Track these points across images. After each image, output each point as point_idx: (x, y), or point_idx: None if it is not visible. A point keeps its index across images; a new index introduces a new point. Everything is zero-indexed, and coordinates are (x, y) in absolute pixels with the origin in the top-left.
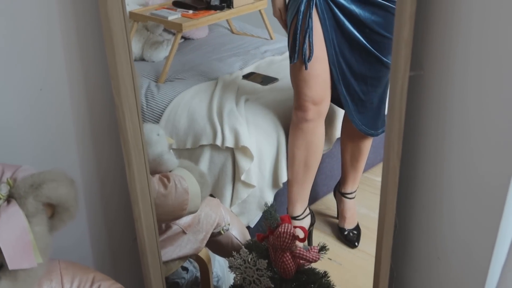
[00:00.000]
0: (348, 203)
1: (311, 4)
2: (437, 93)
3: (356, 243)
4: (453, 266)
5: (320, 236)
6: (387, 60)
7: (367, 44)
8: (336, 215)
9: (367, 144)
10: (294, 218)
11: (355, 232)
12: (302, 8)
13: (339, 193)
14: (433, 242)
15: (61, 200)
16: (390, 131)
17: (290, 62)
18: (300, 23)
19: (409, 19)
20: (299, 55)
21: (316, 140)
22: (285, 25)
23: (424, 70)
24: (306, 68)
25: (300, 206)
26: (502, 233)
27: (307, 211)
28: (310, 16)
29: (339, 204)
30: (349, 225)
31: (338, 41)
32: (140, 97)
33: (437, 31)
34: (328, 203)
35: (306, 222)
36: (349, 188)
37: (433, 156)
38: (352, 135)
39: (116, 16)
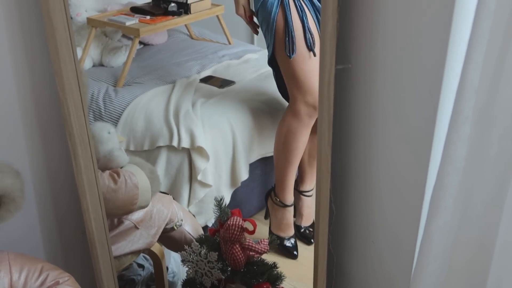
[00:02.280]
0: (306, 201)
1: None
2: (363, 84)
3: (312, 240)
4: (384, 248)
5: None
6: None
7: None
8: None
9: None
10: (291, 205)
11: (311, 229)
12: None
13: (297, 191)
14: (366, 227)
15: (6, 190)
16: (321, 121)
17: (290, 57)
18: (290, 15)
19: (332, 14)
20: (298, 45)
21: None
22: (249, 22)
23: (351, 64)
24: (314, 55)
25: (291, 194)
26: (425, 213)
27: None
28: (288, 7)
29: (297, 202)
30: (306, 222)
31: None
32: (98, 102)
33: (361, 25)
34: None
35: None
36: (307, 185)
37: (362, 144)
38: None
39: (58, 14)
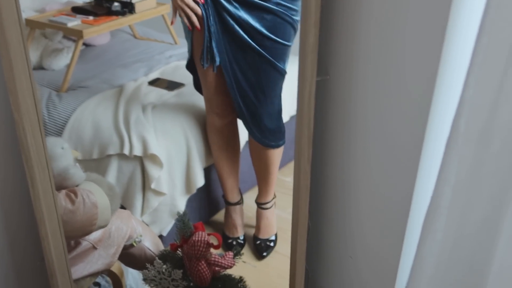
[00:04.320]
0: (264, 213)
1: (208, 12)
2: (342, 96)
3: (265, 254)
4: (364, 264)
5: None
6: (280, 66)
7: (260, 49)
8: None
9: (273, 156)
10: (235, 204)
11: (267, 243)
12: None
13: (256, 203)
14: (344, 242)
15: None
16: (300, 137)
17: (203, 67)
18: (206, 29)
19: (314, 26)
20: (209, 59)
21: (234, 138)
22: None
23: (329, 75)
24: (214, 70)
25: (236, 193)
26: (410, 230)
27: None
28: (210, 24)
29: (257, 214)
30: (263, 234)
31: (231, 48)
32: (41, 109)
33: (341, 37)
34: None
35: (241, 207)
36: (262, 198)
37: (340, 159)
38: (257, 147)
39: (12, 27)
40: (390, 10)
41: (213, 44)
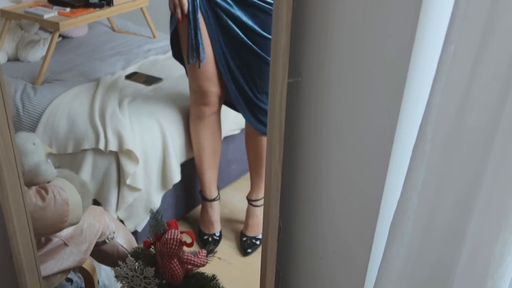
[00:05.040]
0: (253, 210)
1: (196, 7)
2: (314, 98)
3: (249, 250)
4: (334, 265)
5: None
6: None
7: (252, 45)
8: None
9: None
10: (213, 200)
11: (253, 241)
12: (190, 11)
13: (246, 199)
14: (315, 243)
15: None
16: (271, 138)
17: (188, 62)
18: (192, 25)
19: (285, 28)
20: (194, 55)
21: (218, 128)
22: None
23: (302, 77)
24: (199, 67)
25: (215, 188)
26: (379, 232)
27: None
28: (196, 19)
29: (247, 210)
30: (250, 232)
31: (224, 41)
32: (15, 101)
33: (313, 38)
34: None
35: (218, 203)
36: (253, 195)
37: (312, 160)
38: (253, 134)
39: None
40: (361, 14)
41: (199, 41)
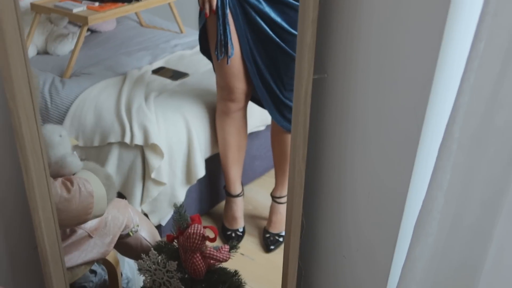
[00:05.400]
0: (277, 207)
1: (225, 2)
2: (340, 95)
3: (272, 247)
4: (357, 264)
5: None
6: None
7: (280, 42)
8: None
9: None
10: (237, 195)
11: (276, 238)
12: (219, 7)
13: (271, 196)
14: (338, 241)
15: None
16: (295, 135)
17: (217, 59)
18: (220, 21)
19: (311, 24)
20: (223, 51)
21: (244, 124)
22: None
23: (327, 73)
24: (227, 63)
25: (239, 184)
26: (403, 232)
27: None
28: (225, 14)
29: (271, 207)
30: (273, 229)
31: (252, 38)
32: (44, 94)
33: (339, 35)
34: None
35: (242, 199)
36: (278, 191)
37: (337, 157)
38: (278, 131)
39: (8, 14)
40: (389, 11)
41: (228, 36)
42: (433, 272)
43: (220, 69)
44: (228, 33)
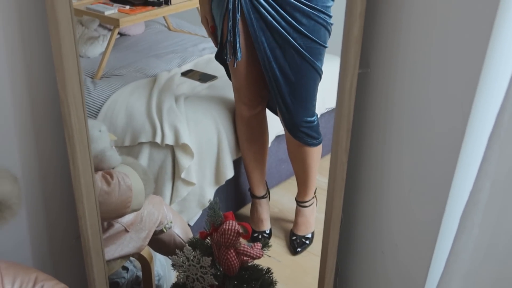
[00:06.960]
0: (300, 210)
1: (236, 5)
2: (382, 90)
3: (299, 249)
4: (396, 259)
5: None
6: (318, 65)
7: (299, 48)
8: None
9: (310, 155)
10: (261, 197)
11: (303, 240)
12: (230, 9)
13: (295, 199)
14: (378, 236)
15: (4, 197)
16: (339, 128)
17: (226, 61)
18: (230, 23)
19: (359, 17)
20: (232, 53)
21: (261, 131)
22: (210, 33)
23: (370, 68)
24: (234, 66)
25: (262, 186)
26: (444, 227)
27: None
28: (236, 18)
29: (296, 209)
30: (299, 231)
31: (269, 45)
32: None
33: (383, 29)
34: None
35: (267, 201)
36: (300, 197)
37: (380, 151)
38: (294, 144)
39: (63, 7)
40: (436, 5)
41: (237, 39)
42: (478, 264)
43: (232, 72)
44: (237, 36)
